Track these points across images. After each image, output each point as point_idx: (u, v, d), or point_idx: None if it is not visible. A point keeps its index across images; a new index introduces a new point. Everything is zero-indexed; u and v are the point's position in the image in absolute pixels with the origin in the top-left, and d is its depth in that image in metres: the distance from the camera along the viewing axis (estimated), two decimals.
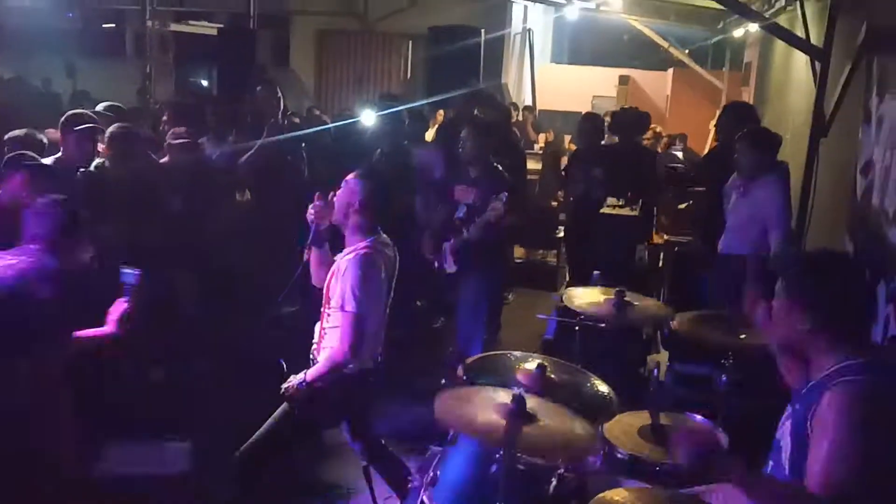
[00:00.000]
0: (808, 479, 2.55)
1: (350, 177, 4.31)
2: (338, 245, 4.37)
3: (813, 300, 2.67)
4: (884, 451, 2.49)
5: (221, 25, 14.36)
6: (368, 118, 8.02)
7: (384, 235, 4.35)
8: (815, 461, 2.54)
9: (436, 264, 6.47)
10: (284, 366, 4.31)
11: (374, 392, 4.44)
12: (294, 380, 4.20)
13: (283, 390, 4.22)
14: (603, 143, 8.63)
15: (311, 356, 4.32)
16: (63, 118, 5.70)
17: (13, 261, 3.68)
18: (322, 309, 4.31)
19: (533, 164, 10.98)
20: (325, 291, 4.29)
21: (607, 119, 9.49)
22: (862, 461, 2.47)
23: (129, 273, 4.10)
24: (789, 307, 2.72)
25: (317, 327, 4.36)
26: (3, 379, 3.57)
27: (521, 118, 14.22)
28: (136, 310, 4.07)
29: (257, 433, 4.23)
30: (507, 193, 6.04)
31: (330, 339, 4.22)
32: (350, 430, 4.47)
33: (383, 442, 4.58)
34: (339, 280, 4.16)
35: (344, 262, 4.19)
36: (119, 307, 4.06)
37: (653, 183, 8.10)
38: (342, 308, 4.09)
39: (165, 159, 6.49)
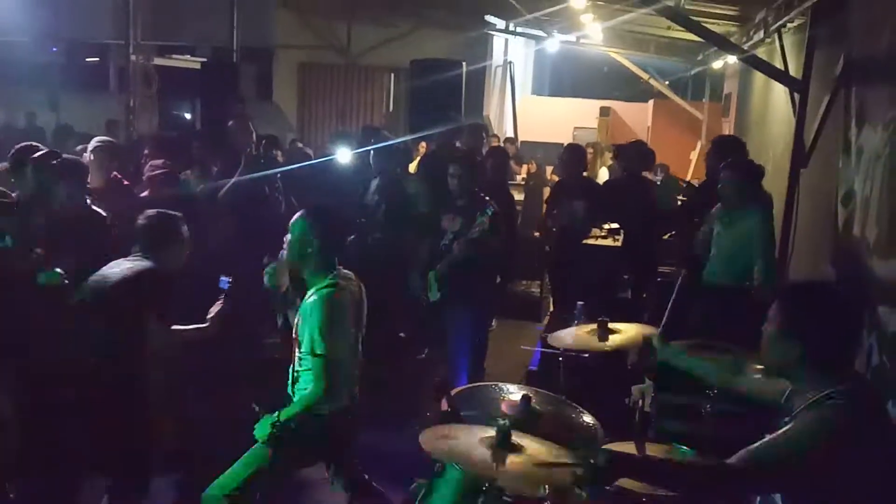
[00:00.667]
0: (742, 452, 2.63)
1: (296, 218, 4.22)
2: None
3: (807, 331, 2.71)
4: (827, 466, 2.54)
5: (205, 59, 14.40)
6: (344, 156, 8.03)
7: (344, 270, 4.27)
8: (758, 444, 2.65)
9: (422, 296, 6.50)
10: (257, 409, 4.24)
11: (352, 429, 4.40)
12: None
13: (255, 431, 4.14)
14: (585, 173, 8.67)
15: (287, 396, 4.27)
16: (13, 154, 5.65)
17: (128, 264, 4.44)
18: (293, 351, 4.23)
19: (516, 196, 10.99)
20: (293, 334, 4.23)
21: (590, 151, 9.54)
22: (798, 459, 2.55)
23: (224, 280, 4.65)
24: (782, 335, 2.75)
25: (290, 369, 4.30)
26: (124, 354, 4.32)
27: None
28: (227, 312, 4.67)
29: (230, 471, 4.15)
30: (492, 209, 6.08)
31: (303, 382, 4.15)
32: (331, 466, 4.43)
33: (367, 476, 4.55)
34: (305, 323, 4.09)
35: (308, 304, 4.11)
36: (216, 308, 4.66)
37: (652, 215, 8.12)
38: (312, 353, 4.02)
39: (146, 193, 6.47)
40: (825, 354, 2.71)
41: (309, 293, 4.16)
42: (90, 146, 6.36)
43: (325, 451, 4.33)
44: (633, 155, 8.40)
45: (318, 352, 3.99)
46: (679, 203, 9.61)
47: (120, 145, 7.21)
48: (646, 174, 8.93)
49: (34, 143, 5.91)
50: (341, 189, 7.75)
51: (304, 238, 4.15)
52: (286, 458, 4.16)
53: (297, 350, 4.18)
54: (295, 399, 4.16)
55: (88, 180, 5.64)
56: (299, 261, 4.19)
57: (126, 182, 6.44)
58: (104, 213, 5.43)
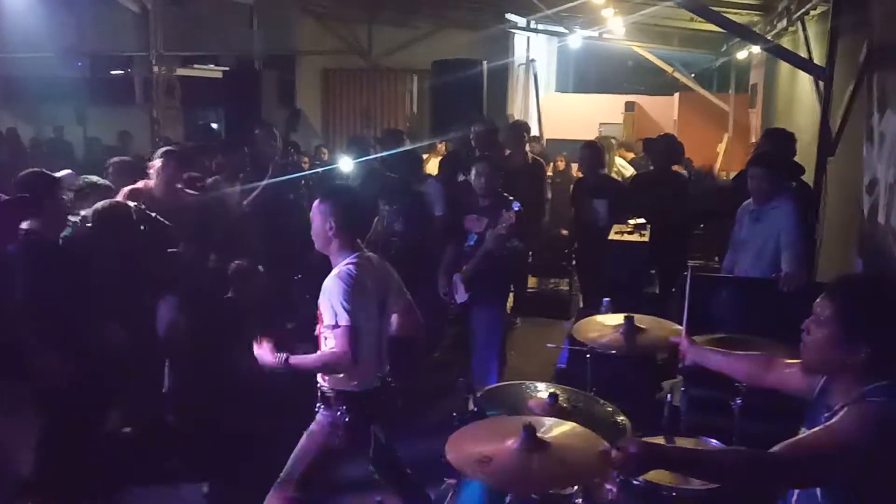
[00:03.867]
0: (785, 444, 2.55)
1: (316, 203, 4.29)
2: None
3: (876, 333, 2.56)
4: (868, 466, 2.45)
5: (227, 68, 14.48)
6: (346, 165, 8.06)
7: (367, 252, 4.33)
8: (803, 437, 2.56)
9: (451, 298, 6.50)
10: None
11: (389, 409, 4.40)
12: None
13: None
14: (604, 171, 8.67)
15: (317, 385, 4.30)
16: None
17: None
18: (317, 332, 4.24)
19: None
20: (317, 313, 4.23)
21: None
22: (841, 457, 2.45)
23: None
24: (845, 337, 2.59)
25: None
26: None
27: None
28: None
29: (287, 471, 4.18)
30: (518, 204, 6.07)
31: None
32: (374, 458, 4.42)
33: (409, 471, 4.56)
34: (325, 298, 4.12)
35: (329, 280, 4.16)
36: None
37: (685, 210, 8.07)
38: (335, 325, 4.04)
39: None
40: (880, 356, 2.55)
41: (333, 272, 4.22)
42: (157, 154, 6.41)
43: (365, 434, 4.32)
44: (662, 148, 8.34)
45: (342, 322, 4.01)
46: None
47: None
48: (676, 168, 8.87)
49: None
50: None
51: (324, 220, 4.21)
52: (336, 446, 4.19)
53: (320, 328, 4.18)
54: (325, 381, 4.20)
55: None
56: (324, 243, 4.26)
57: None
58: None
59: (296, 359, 4.12)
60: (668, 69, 18.12)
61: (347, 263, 4.19)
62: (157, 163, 6.20)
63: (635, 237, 7.32)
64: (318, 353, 4.12)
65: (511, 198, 6.40)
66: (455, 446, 3.27)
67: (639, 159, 13.00)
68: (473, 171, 6.46)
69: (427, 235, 6.94)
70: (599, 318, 5.01)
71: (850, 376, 2.62)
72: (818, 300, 2.68)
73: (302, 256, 7.36)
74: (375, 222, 7.31)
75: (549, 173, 13.72)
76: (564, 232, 10.55)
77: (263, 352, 4.18)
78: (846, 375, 2.64)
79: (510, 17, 15.10)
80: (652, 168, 8.84)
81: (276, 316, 5.18)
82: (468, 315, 6.54)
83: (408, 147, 8.31)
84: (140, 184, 6.23)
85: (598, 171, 8.38)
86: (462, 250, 6.43)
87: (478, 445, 3.26)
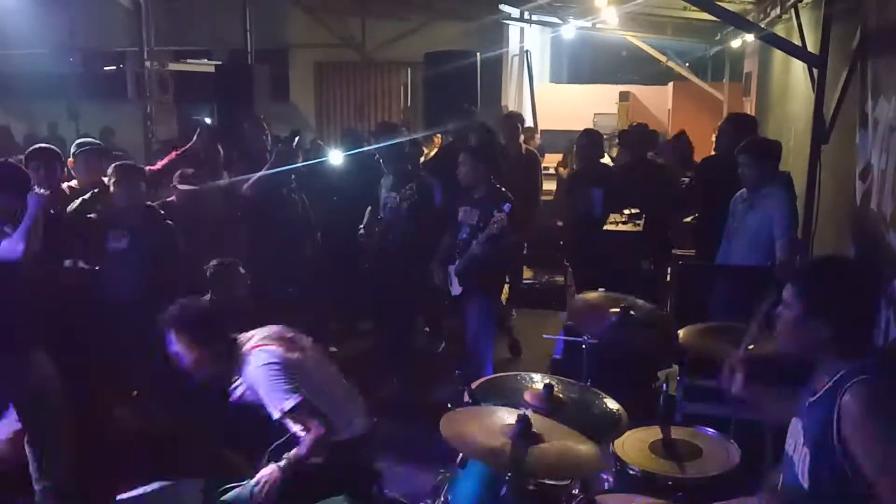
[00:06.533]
0: (879, 487, 2.49)
1: (170, 338, 4.10)
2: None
3: (837, 310, 2.66)
4: None
5: (220, 62, 14.43)
6: (336, 158, 8.03)
7: (242, 334, 4.21)
8: (874, 472, 2.50)
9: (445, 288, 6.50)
10: None
11: (371, 457, 4.36)
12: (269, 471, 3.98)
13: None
14: (602, 160, 8.64)
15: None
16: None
17: None
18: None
19: (544, 185, 10.99)
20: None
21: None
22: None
23: None
24: (807, 316, 2.69)
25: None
26: None
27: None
28: None
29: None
30: (509, 205, 6.06)
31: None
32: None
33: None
34: (258, 396, 4.02)
35: (250, 376, 4.05)
36: None
37: (667, 198, 8.05)
38: (288, 410, 3.93)
39: (172, 198, 6.50)
40: (855, 331, 2.66)
41: (241, 377, 4.13)
42: (72, 149, 6.39)
43: (349, 482, 4.24)
44: (635, 139, 8.36)
45: (288, 406, 3.92)
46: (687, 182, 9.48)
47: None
48: (654, 156, 8.89)
49: None
50: (348, 189, 7.78)
51: (190, 350, 4.08)
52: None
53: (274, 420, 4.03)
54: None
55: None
56: (215, 367, 4.15)
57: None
58: None
59: (292, 458, 3.95)
60: (662, 59, 18.07)
61: (251, 351, 4.09)
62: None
63: (629, 227, 7.31)
64: (302, 444, 3.96)
65: (503, 190, 6.39)
66: (449, 425, 3.28)
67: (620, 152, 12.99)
68: (459, 160, 6.46)
69: (429, 224, 6.95)
70: (593, 296, 5.01)
71: (825, 357, 2.70)
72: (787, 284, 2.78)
73: (294, 251, 7.36)
74: (367, 212, 7.33)
75: (546, 165, 13.76)
76: (559, 223, 10.55)
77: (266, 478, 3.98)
78: (822, 357, 2.72)
79: (503, 7, 15.02)
80: (629, 159, 8.85)
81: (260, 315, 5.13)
82: (462, 307, 6.54)
83: (408, 137, 8.31)
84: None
85: (598, 160, 8.36)
86: (456, 241, 6.42)
87: (472, 429, 3.27)
